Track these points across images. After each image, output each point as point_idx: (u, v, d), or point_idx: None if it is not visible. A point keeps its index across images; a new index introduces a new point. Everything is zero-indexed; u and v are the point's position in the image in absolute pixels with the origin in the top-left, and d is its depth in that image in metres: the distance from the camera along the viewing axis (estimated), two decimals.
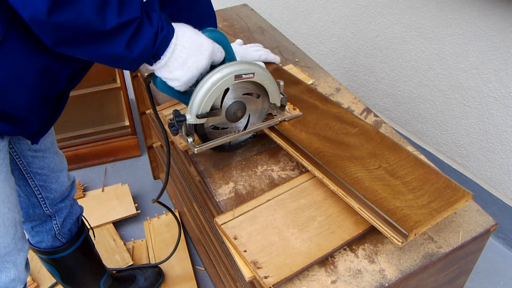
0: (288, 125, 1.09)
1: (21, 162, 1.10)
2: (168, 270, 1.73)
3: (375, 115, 1.24)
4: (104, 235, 1.85)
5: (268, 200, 0.98)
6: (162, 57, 0.84)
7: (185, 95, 0.96)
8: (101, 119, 2.22)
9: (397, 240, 0.83)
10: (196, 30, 0.89)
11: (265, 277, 0.81)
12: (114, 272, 1.63)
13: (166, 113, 1.21)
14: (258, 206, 0.96)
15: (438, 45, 1.77)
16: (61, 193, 1.23)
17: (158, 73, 0.89)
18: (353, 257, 0.90)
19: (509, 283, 1.71)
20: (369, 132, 1.06)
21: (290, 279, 0.84)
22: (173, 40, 0.84)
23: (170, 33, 0.84)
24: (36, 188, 1.16)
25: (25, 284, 1.08)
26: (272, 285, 0.80)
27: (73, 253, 1.33)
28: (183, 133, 0.98)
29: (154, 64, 0.86)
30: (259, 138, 1.16)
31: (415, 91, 1.97)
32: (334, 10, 2.15)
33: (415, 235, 0.83)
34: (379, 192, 0.90)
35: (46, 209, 1.21)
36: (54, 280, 1.68)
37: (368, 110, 1.25)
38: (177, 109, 0.95)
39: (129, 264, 1.74)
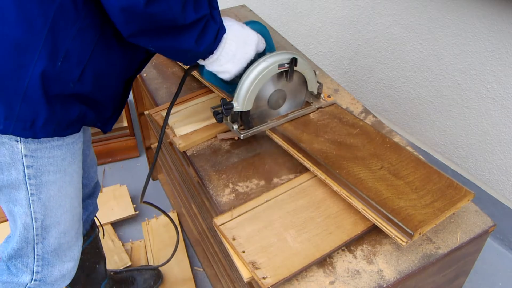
0: (290, 126, 1.09)
1: None
2: (167, 271, 1.73)
3: (374, 116, 1.24)
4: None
5: (267, 201, 0.98)
6: (215, 52, 0.90)
7: (230, 84, 1.03)
8: None
9: (402, 240, 0.83)
10: (240, 23, 0.94)
11: (264, 278, 0.81)
12: (112, 273, 1.63)
13: (165, 114, 1.21)
14: (256, 206, 0.96)
15: (436, 46, 1.78)
16: (90, 189, 1.24)
17: (209, 67, 0.94)
18: (351, 258, 0.90)
19: (507, 284, 1.71)
20: (370, 133, 1.07)
21: (288, 279, 0.84)
22: (224, 35, 0.89)
23: (224, 28, 0.89)
24: None
25: None
26: (271, 286, 0.80)
27: (83, 251, 1.33)
28: (228, 121, 1.05)
29: (207, 59, 0.91)
30: (258, 138, 1.16)
31: (414, 92, 1.98)
32: (333, 11, 2.15)
33: (419, 234, 0.83)
34: (383, 192, 0.90)
35: None
36: None
37: (366, 111, 1.26)
38: (223, 97, 1.03)
39: (128, 265, 1.74)
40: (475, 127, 1.77)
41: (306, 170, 1.05)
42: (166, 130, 1.12)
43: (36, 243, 0.95)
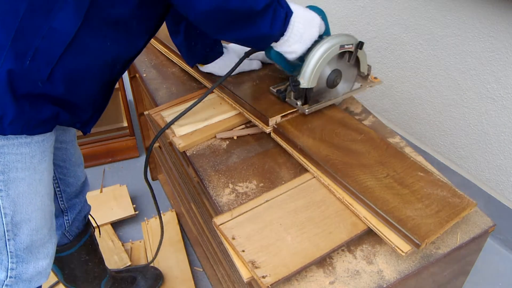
0: (296, 131, 1.09)
1: None
2: (166, 271, 1.73)
3: (374, 116, 1.24)
4: (102, 236, 1.84)
5: (267, 201, 0.97)
6: (285, 33, 0.96)
7: (292, 65, 1.11)
8: (99, 120, 2.22)
9: (401, 250, 0.85)
10: (303, 7, 1.01)
11: (263, 277, 0.81)
12: (113, 273, 1.63)
13: (165, 114, 1.21)
14: (256, 206, 0.96)
15: (436, 46, 1.78)
16: (77, 188, 1.24)
17: (278, 48, 1.01)
18: (351, 258, 0.90)
19: (507, 284, 1.71)
20: (374, 139, 1.07)
21: (288, 278, 0.84)
22: (292, 17, 0.96)
23: (291, 11, 0.96)
24: (56, 181, 1.17)
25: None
26: (270, 285, 0.80)
27: (78, 251, 1.33)
28: (292, 98, 1.14)
29: (279, 40, 0.98)
30: (257, 138, 1.16)
31: (413, 92, 1.98)
32: (332, 11, 2.16)
33: (426, 244, 0.84)
34: (390, 201, 0.90)
35: (62, 203, 1.21)
36: (52, 281, 1.67)
37: (366, 111, 1.25)
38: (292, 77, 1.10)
39: (127, 265, 1.74)
40: (475, 128, 1.77)
41: (306, 170, 1.05)
42: (166, 130, 1.12)
43: (8, 240, 0.95)
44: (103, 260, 1.49)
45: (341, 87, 1.20)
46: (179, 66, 1.46)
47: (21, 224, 0.95)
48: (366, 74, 1.21)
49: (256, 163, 1.10)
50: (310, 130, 1.10)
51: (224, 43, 1.31)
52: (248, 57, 1.13)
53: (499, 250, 1.84)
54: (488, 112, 1.70)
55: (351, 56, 1.14)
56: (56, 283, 1.67)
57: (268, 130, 1.12)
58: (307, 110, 1.12)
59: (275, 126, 1.11)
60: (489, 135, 1.73)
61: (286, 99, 1.15)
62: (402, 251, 0.85)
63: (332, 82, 1.15)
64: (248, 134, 1.18)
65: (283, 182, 1.03)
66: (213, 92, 1.29)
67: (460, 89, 1.76)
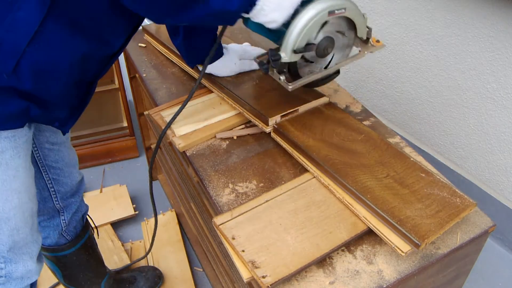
0: (296, 131, 1.09)
1: (38, 154, 1.10)
2: (166, 271, 1.73)
3: (374, 116, 1.24)
4: (102, 236, 1.84)
5: (267, 201, 0.97)
6: (256, 2, 0.84)
7: (275, 33, 0.96)
8: (99, 120, 2.22)
9: (401, 251, 0.85)
10: None
11: (263, 277, 0.81)
12: (113, 273, 1.63)
13: (165, 114, 1.21)
14: (256, 206, 0.96)
15: (436, 46, 1.78)
16: (72, 188, 1.24)
17: (255, 19, 0.89)
18: (351, 258, 0.90)
19: (507, 284, 1.71)
20: (374, 139, 1.07)
21: (288, 278, 0.84)
22: None
23: None
24: (50, 182, 1.16)
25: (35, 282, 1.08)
26: (270, 285, 0.80)
27: (77, 251, 1.33)
28: (275, 72, 1.00)
29: (251, 11, 0.86)
30: (257, 138, 1.16)
31: (413, 92, 1.98)
32: None
33: (425, 244, 0.84)
34: (390, 201, 0.91)
35: (57, 203, 1.21)
36: (52, 282, 1.67)
37: (366, 111, 1.25)
38: (272, 48, 0.97)
39: (127, 264, 1.74)
40: (475, 128, 1.77)
41: (306, 170, 1.05)
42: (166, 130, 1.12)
43: None
44: (102, 260, 1.49)
45: (334, 56, 1.06)
46: (179, 66, 1.46)
47: (0, 224, 0.93)
48: (365, 38, 1.06)
49: (256, 163, 1.10)
50: (310, 130, 1.10)
51: (224, 44, 1.31)
52: (222, 34, 1.02)
53: (499, 250, 1.84)
54: (488, 112, 1.70)
55: (348, 21, 1.00)
56: (56, 284, 1.67)
57: (268, 130, 1.12)
58: (290, 87, 1.00)
59: (275, 126, 1.12)
60: (489, 135, 1.73)
61: (269, 73, 1.02)
62: (402, 251, 0.85)
63: (322, 52, 1.01)
64: (248, 134, 1.18)
65: (283, 182, 1.03)
66: (213, 92, 1.29)
67: (460, 89, 1.76)
